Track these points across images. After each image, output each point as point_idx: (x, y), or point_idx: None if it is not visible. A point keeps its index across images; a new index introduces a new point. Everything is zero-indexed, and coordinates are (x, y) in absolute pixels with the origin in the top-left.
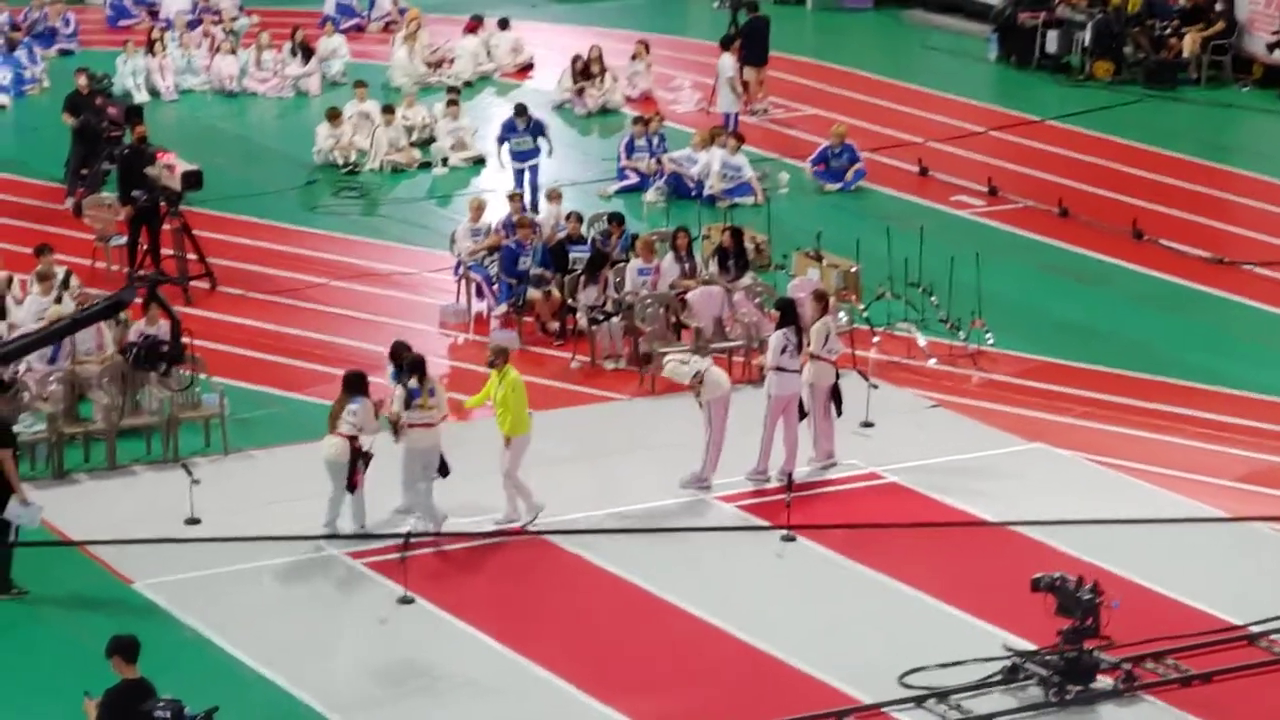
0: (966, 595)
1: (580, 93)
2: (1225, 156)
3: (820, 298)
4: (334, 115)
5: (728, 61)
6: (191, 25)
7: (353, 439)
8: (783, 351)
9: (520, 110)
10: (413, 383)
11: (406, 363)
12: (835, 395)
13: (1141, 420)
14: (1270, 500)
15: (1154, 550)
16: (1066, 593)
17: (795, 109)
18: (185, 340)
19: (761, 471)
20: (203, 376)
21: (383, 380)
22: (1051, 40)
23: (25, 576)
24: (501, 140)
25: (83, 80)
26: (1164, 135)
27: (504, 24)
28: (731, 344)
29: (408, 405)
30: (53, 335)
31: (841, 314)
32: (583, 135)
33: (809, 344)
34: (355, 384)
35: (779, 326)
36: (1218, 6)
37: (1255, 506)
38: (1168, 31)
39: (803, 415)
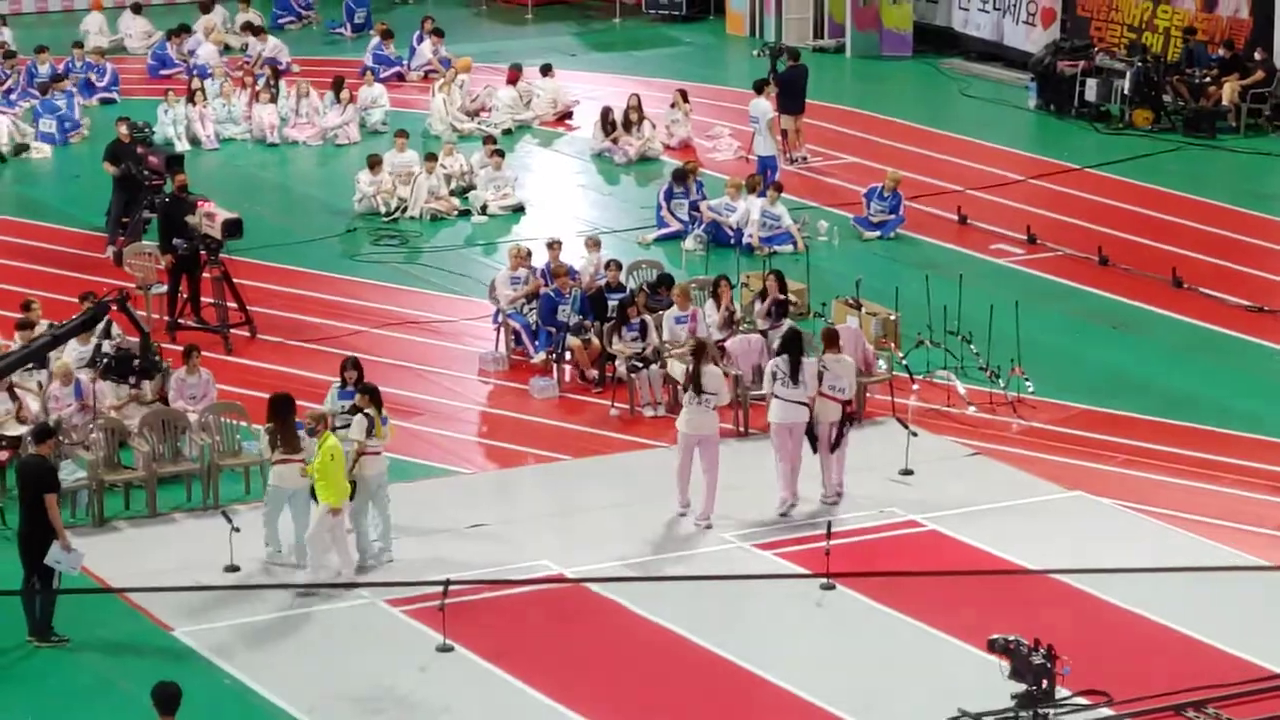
0: None
1: (615, 141)
2: (1264, 205)
3: (826, 337)
4: (374, 163)
5: (764, 105)
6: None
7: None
8: (774, 379)
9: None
10: (370, 411)
11: (367, 391)
12: (836, 432)
13: (1182, 468)
14: None
15: (1195, 598)
16: (1020, 656)
17: (834, 157)
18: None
19: (784, 500)
20: (243, 424)
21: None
22: (1090, 88)
23: (65, 623)
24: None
25: (124, 129)
26: (1203, 183)
27: (546, 70)
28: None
29: (369, 434)
30: (34, 352)
31: (881, 362)
32: (621, 183)
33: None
34: (289, 408)
35: (776, 354)
36: (1257, 55)
37: None
38: (1207, 80)
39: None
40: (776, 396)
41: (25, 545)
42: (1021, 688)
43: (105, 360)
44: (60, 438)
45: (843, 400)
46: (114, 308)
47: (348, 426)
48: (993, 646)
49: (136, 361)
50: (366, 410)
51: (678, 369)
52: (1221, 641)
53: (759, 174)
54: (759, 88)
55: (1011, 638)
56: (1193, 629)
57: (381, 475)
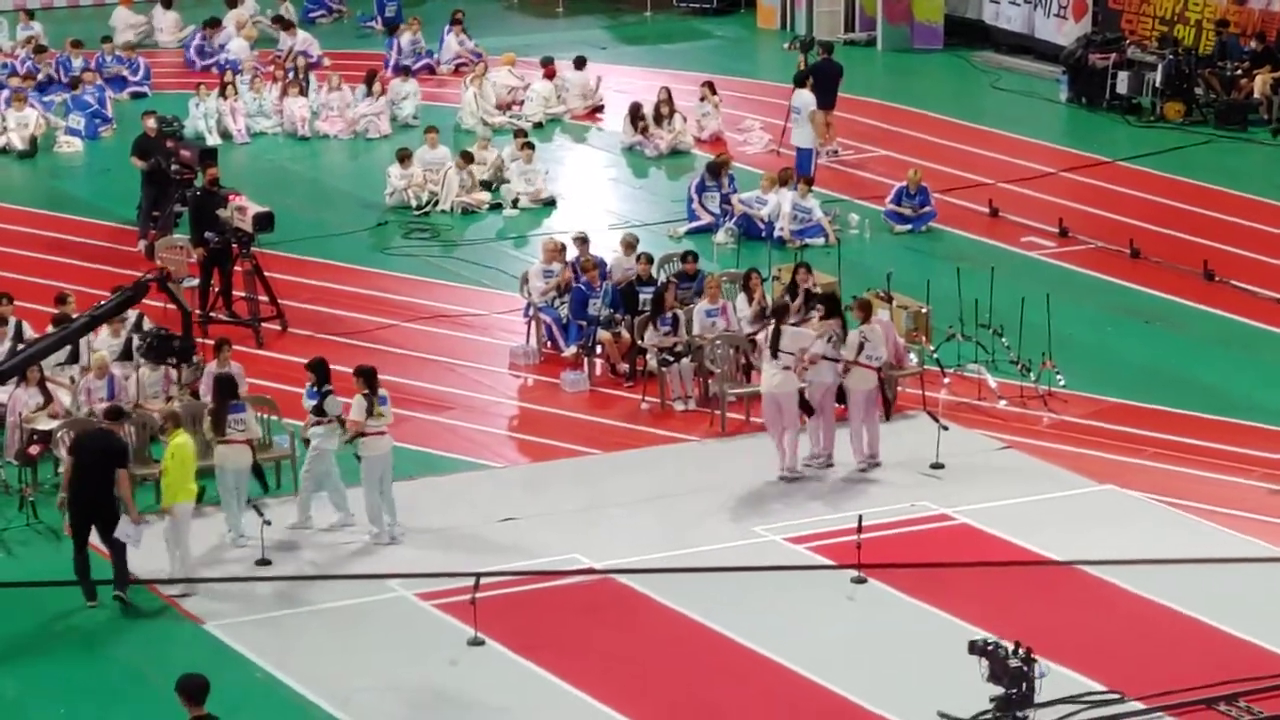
0: (1038, 637)
1: (645, 133)
2: None
3: (863, 307)
4: (405, 156)
5: (806, 97)
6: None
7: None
8: (828, 342)
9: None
10: (366, 392)
11: (362, 373)
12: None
13: (1212, 462)
14: None
15: (1225, 591)
16: (998, 659)
17: (866, 150)
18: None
19: (783, 468)
20: (275, 418)
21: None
22: (1122, 81)
23: (95, 617)
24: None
25: (151, 123)
26: (1235, 176)
27: (580, 63)
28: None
29: (369, 414)
30: (72, 334)
31: (912, 355)
32: (652, 177)
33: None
34: (233, 389)
35: (825, 318)
36: None
37: None
38: (1238, 73)
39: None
40: (826, 358)
41: (86, 516)
42: (1000, 691)
43: (147, 340)
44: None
45: (877, 368)
46: (154, 286)
47: (319, 425)
48: (972, 648)
49: (176, 343)
50: (364, 392)
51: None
52: (1253, 635)
53: (795, 167)
54: (801, 80)
55: (991, 639)
56: (1224, 622)
57: (386, 456)
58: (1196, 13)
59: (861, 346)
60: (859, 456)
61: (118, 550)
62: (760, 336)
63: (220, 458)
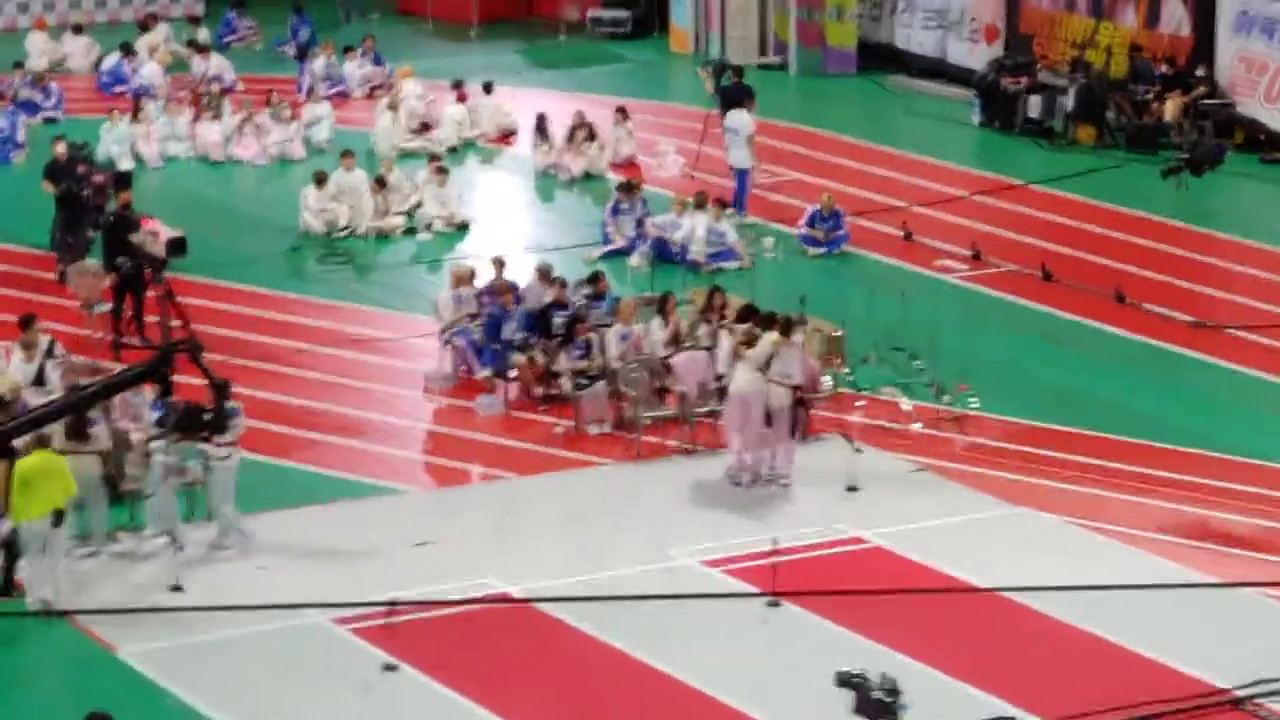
0: (953, 660)
1: (551, 146)
2: (1208, 221)
3: (783, 324)
4: (320, 180)
5: (744, 118)
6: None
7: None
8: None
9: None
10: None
11: (218, 385)
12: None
13: (1127, 484)
14: (1256, 564)
15: (1140, 614)
16: (863, 691)
17: (779, 174)
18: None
19: (730, 467)
20: (186, 444)
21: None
22: (1034, 105)
23: (9, 646)
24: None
25: (61, 148)
26: (1147, 199)
27: (488, 88)
28: (716, 408)
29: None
30: (83, 402)
31: (826, 378)
32: (566, 200)
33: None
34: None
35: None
36: (1199, 72)
37: (1241, 570)
38: (1149, 97)
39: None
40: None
41: None
42: None
43: (174, 418)
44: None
45: (792, 386)
46: (184, 355)
47: (161, 438)
48: (839, 680)
49: (207, 415)
50: (224, 404)
51: (729, 342)
52: (1165, 657)
53: (735, 186)
54: (738, 100)
55: (858, 671)
56: (1137, 644)
57: (236, 469)
58: (1107, 37)
59: (770, 363)
60: (774, 472)
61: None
62: (725, 346)
63: (70, 467)
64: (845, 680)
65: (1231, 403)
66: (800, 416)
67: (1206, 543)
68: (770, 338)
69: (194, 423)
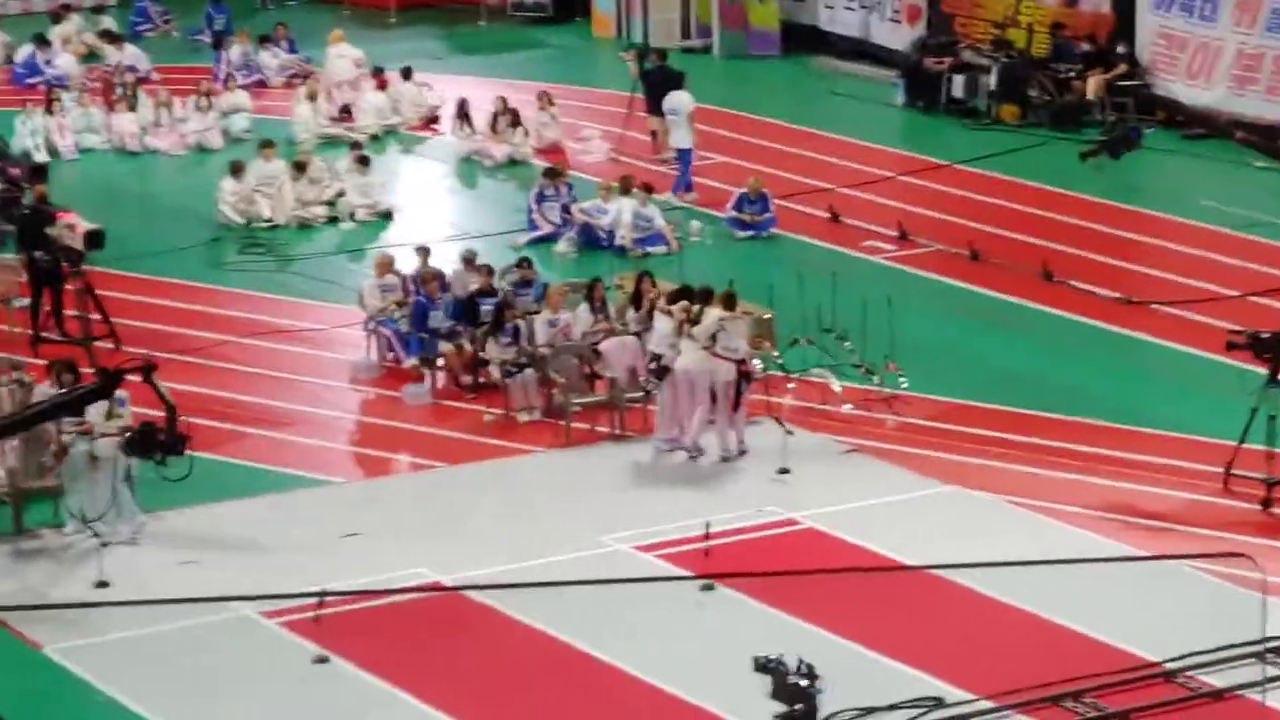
0: (886, 639)
1: (472, 129)
2: (1132, 197)
3: (725, 299)
4: (237, 170)
5: (684, 98)
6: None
7: None
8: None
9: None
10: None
11: (109, 377)
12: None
13: (1056, 460)
14: (1186, 538)
15: (1072, 590)
16: (780, 676)
17: (705, 157)
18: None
19: (662, 440)
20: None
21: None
22: (957, 85)
23: None
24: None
25: None
26: (1071, 177)
27: (406, 74)
28: (645, 393)
29: (108, 415)
30: (24, 422)
31: (756, 361)
32: (491, 187)
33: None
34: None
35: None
36: (1120, 49)
37: (1171, 544)
38: (1072, 75)
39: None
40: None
41: None
42: (782, 709)
43: (129, 436)
44: None
45: (736, 360)
46: (137, 378)
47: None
48: (756, 665)
49: (161, 436)
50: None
51: (666, 324)
52: (1098, 632)
53: (679, 166)
54: (677, 83)
55: (774, 657)
56: (1070, 620)
57: (116, 457)
58: (1028, 15)
59: (716, 337)
60: (725, 449)
61: None
62: (661, 329)
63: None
64: (763, 666)
65: (1159, 378)
66: (744, 390)
67: (1137, 518)
68: (715, 312)
69: (148, 444)
